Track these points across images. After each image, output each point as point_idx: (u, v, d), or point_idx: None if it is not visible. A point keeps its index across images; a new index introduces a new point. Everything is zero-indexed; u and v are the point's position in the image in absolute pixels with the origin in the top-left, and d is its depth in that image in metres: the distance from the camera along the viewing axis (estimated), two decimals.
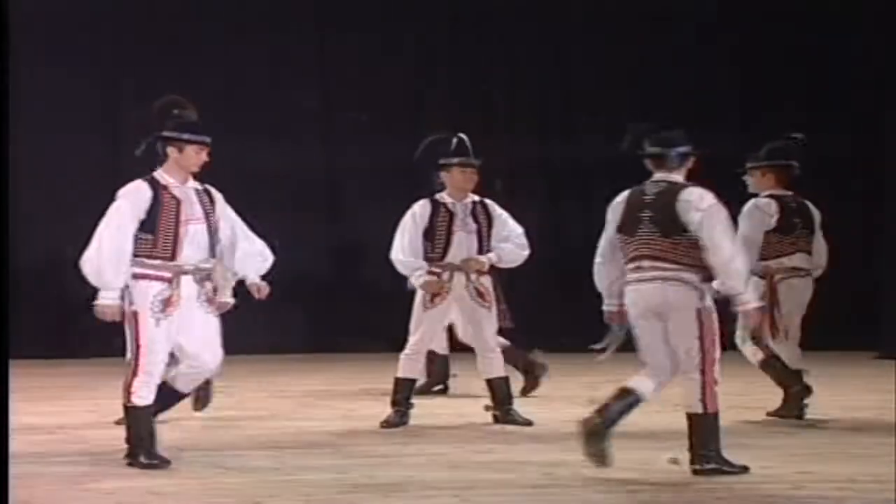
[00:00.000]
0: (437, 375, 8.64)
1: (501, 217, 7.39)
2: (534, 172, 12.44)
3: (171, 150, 5.84)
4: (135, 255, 5.79)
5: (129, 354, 5.96)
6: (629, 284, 5.67)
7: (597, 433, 5.57)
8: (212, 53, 12.04)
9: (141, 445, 5.81)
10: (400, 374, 7.26)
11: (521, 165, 11.98)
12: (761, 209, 7.38)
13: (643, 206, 5.66)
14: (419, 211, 7.30)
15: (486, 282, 7.31)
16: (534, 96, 12.68)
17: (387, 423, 7.14)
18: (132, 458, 5.82)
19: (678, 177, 5.71)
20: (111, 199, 6.08)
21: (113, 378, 9.66)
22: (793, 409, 7.30)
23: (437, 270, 7.21)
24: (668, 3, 12.42)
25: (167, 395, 5.95)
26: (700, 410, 5.60)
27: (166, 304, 5.76)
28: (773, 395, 8.21)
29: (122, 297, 5.84)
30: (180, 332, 5.82)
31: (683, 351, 5.58)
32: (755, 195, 7.47)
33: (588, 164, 12.41)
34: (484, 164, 7.35)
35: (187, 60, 12.01)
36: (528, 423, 7.18)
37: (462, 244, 7.24)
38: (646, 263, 5.60)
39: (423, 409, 7.36)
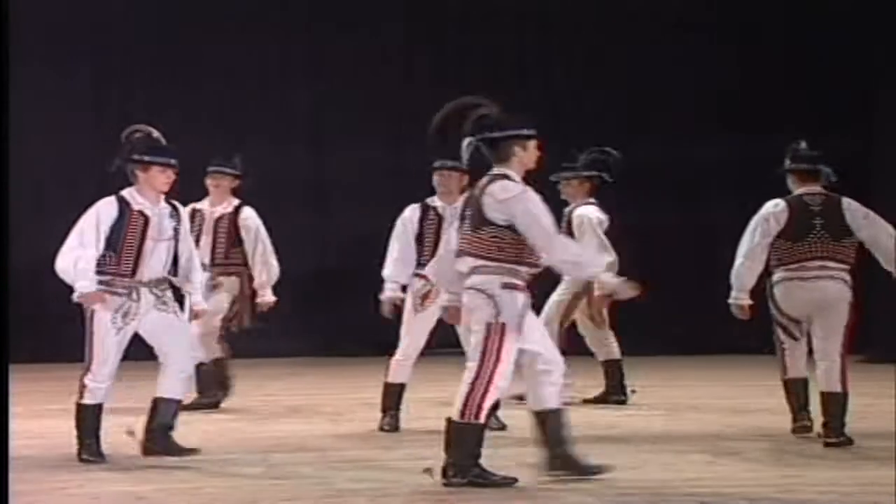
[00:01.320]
0: (211, 386, 8.20)
1: None
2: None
3: (518, 148, 5.63)
4: (503, 262, 5.47)
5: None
6: (790, 281, 6.57)
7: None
8: (203, 57, 12.01)
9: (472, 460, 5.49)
10: (390, 379, 7.23)
11: None
12: (591, 217, 8.32)
13: (813, 214, 6.59)
14: (408, 216, 7.29)
15: None
16: (516, 101, 12.65)
17: (381, 428, 7.13)
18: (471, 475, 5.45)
19: (821, 189, 6.68)
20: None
21: None
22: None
23: (426, 274, 7.18)
24: (659, 7, 12.42)
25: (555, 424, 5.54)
26: (839, 389, 6.56)
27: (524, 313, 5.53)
28: (760, 399, 8.22)
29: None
30: (531, 340, 5.54)
31: (829, 336, 6.58)
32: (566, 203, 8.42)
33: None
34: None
35: (178, 64, 12.00)
36: (503, 427, 7.17)
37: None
38: (816, 263, 6.55)
39: (410, 414, 7.33)
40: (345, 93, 12.19)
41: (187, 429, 6.91)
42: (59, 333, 11.57)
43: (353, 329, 12.07)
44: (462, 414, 5.43)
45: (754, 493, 5.35)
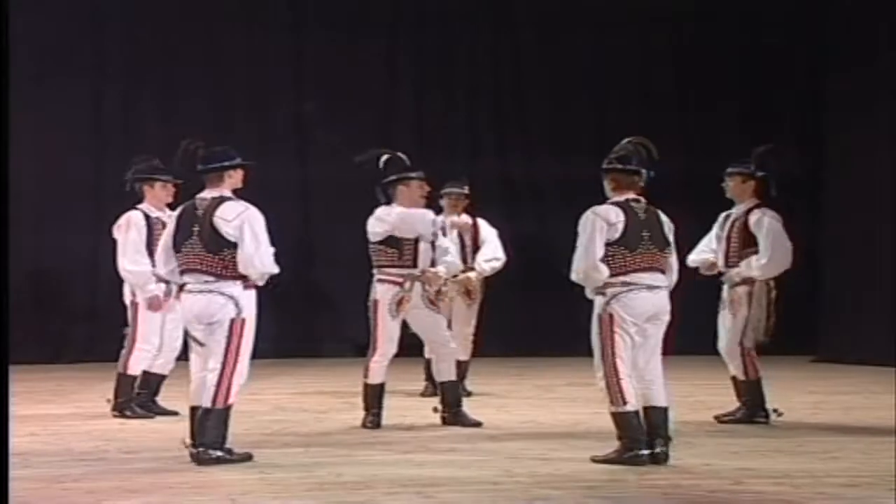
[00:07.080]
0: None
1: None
2: (494, 188, 12.45)
3: None
4: None
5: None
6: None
7: None
8: (194, 74, 12.00)
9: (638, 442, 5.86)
10: (369, 381, 7.23)
11: (481, 181, 12.00)
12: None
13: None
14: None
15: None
16: (493, 115, 12.71)
17: (364, 426, 7.15)
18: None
19: None
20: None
21: (96, 382, 9.62)
22: None
23: (399, 280, 7.21)
24: (618, 22, 12.49)
25: None
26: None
27: None
28: (717, 397, 8.26)
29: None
30: None
31: None
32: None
33: (545, 179, 12.45)
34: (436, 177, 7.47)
35: (169, 81, 11.98)
36: (478, 424, 7.18)
37: (423, 254, 7.25)
38: None
39: (389, 412, 7.34)
40: (329, 102, 12.19)
41: (175, 426, 6.92)
42: (63, 334, 11.54)
43: (334, 332, 12.09)
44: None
45: (710, 485, 5.38)
